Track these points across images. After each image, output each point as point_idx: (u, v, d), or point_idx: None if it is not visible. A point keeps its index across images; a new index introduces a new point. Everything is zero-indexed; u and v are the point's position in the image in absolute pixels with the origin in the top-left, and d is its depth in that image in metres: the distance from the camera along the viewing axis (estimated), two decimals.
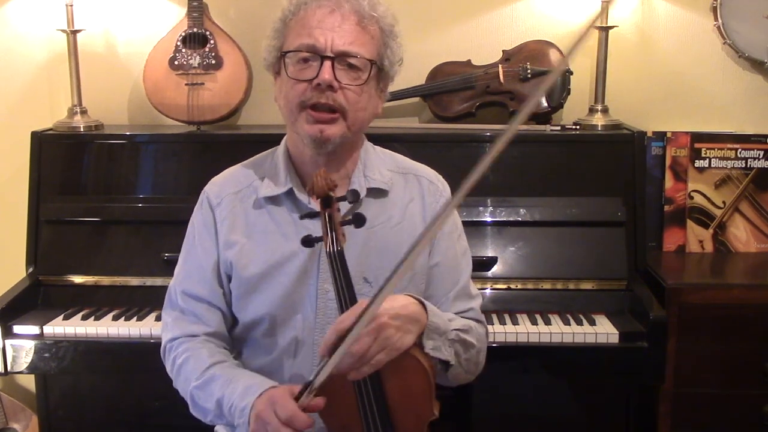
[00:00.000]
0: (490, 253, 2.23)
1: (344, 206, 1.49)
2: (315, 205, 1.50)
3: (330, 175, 1.39)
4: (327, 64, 1.41)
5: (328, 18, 1.41)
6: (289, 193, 1.54)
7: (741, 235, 2.47)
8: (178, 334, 1.56)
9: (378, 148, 1.63)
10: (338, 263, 1.37)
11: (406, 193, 1.57)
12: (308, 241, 1.40)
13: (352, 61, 1.42)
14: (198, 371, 1.48)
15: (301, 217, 1.44)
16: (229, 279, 1.56)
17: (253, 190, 1.56)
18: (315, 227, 1.50)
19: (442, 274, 1.56)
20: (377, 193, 1.55)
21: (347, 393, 1.37)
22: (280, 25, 1.49)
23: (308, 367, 1.52)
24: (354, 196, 1.41)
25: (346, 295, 1.36)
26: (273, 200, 1.54)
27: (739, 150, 2.46)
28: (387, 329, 1.31)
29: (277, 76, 1.52)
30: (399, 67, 1.53)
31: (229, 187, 1.58)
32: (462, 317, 1.55)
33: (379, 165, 1.58)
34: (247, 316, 1.54)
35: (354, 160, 1.55)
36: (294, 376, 1.52)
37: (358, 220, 1.40)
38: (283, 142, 1.60)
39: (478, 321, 1.61)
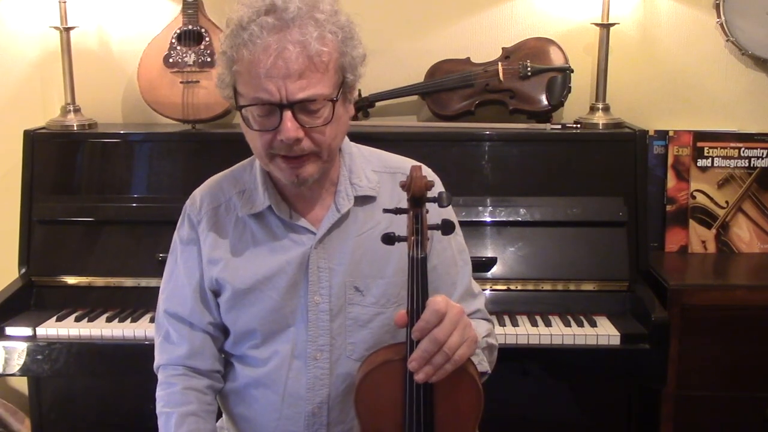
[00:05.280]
0: (489, 254, 2.20)
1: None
2: (305, 222, 1.48)
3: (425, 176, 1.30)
4: (287, 115, 1.32)
5: (274, 66, 1.29)
6: (270, 208, 1.49)
7: (744, 236, 2.45)
8: (162, 361, 1.56)
9: (362, 147, 1.57)
10: (419, 269, 1.27)
11: (394, 196, 1.51)
12: (389, 239, 1.30)
13: (312, 106, 1.34)
14: None
15: (385, 211, 1.34)
16: (216, 295, 1.53)
17: (234, 206, 1.52)
18: (301, 240, 1.48)
19: (441, 277, 1.52)
20: (364, 200, 1.51)
21: (396, 405, 1.33)
22: (225, 64, 1.37)
23: (303, 379, 1.49)
24: (448, 200, 1.29)
25: (419, 305, 1.28)
26: (256, 216, 1.50)
27: (743, 149, 2.44)
28: (464, 317, 1.27)
29: (237, 110, 1.44)
30: (364, 64, 1.42)
31: (208, 203, 1.54)
32: (472, 319, 1.51)
33: (364, 168, 1.52)
34: (238, 330, 1.52)
35: (337, 167, 1.50)
36: (289, 390, 1.49)
37: (447, 227, 1.30)
38: None
39: (488, 320, 1.59)
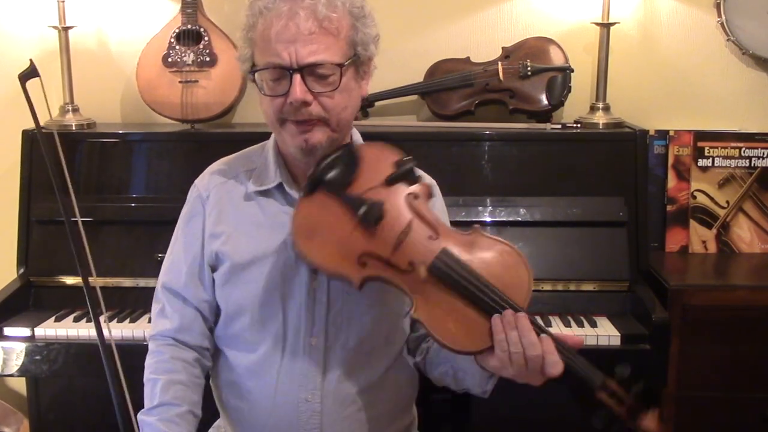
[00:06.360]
0: None
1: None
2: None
3: None
4: (296, 78, 1.38)
5: (285, 30, 1.36)
6: (279, 187, 1.54)
7: (745, 236, 2.44)
8: (154, 332, 1.59)
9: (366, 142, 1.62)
10: None
11: None
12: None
13: (321, 70, 1.39)
14: (148, 402, 1.51)
15: None
16: (213, 269, 1.56)
17: (241, 182, 1.56)
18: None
19: None
20: None
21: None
22: (244, 36, 1.45)
23: (297, 367, 1.49)
24: None
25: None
26: (263, 193, 1.55)
27: (743, 149, 2.43)
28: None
29: (255, 84, 1.50)
30: (377, 45, 1.48)
31: (216, 179, 1.58)
32: None
33: None
34: (230, 306, 1.54)
35: None
36: (282, 377, 1.50)
37: None
38: (272, 137, 1.59)
39: None
